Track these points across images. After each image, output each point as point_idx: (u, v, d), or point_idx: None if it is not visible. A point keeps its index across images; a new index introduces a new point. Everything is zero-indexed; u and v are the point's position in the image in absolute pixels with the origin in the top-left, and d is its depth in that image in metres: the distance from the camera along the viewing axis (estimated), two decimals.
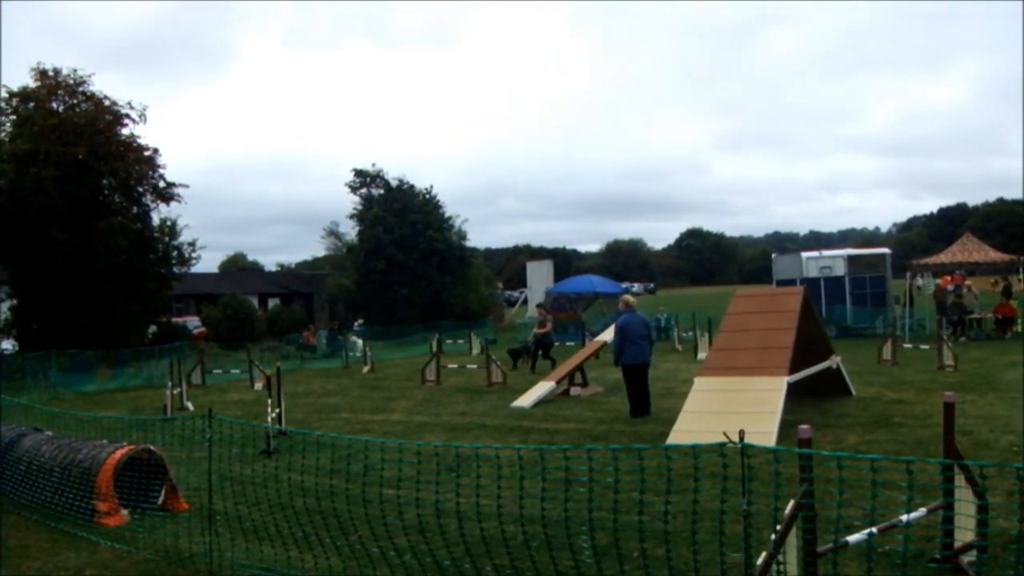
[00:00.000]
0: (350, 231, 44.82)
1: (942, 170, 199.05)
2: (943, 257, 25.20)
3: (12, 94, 24.51)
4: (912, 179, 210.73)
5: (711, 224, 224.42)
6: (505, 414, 12.42)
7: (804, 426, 4.11)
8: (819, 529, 3.98)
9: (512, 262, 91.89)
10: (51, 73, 24.81)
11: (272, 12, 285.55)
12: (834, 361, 11.38)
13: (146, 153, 25.89)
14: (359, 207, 41.47)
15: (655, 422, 10.68)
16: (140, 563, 5.89)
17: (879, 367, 16.01)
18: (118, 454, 7.06)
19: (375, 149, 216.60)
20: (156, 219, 27.20)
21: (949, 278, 23.99)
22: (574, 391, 13.96)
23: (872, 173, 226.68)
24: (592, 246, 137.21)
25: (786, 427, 8.60)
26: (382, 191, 41.14)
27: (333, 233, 53.49)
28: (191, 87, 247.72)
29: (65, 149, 23.46)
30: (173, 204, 27.01)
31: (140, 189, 26.45)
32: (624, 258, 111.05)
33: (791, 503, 3.97)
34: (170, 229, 27.12)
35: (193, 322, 34.93)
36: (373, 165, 41.94)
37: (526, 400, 13.08)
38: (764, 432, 8.22)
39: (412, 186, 41.25)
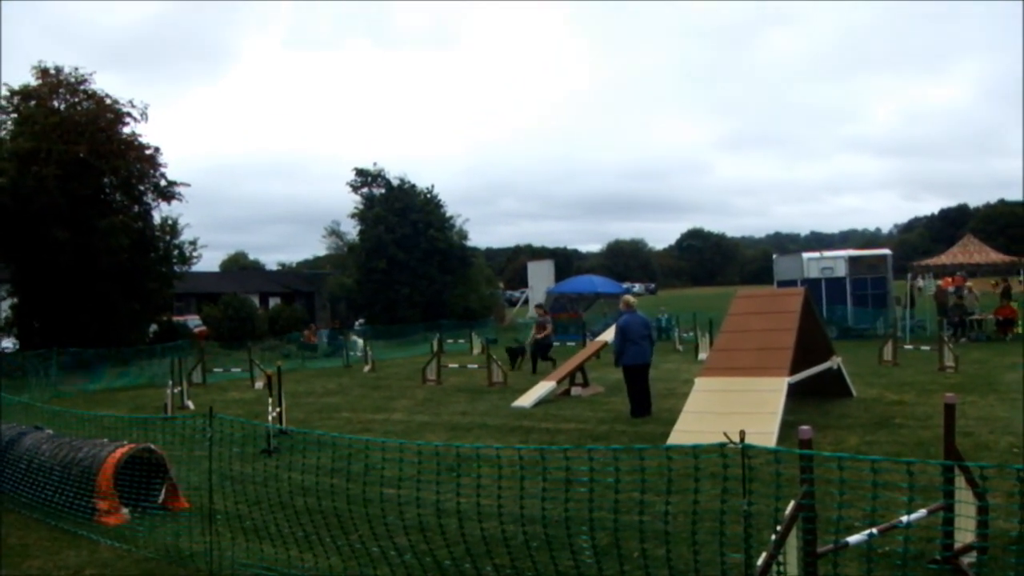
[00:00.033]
0: (351, 230, 44.87)
1: (943, 171, 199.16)
2: (944, 258, 25.18)
3: (13, 92, 24.56)
4: (913, 180, 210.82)
5: (712, 224, 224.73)
6: (506, 414, 12.42)
7: (805, 427, 4.11)
8: (819, 530, 3.98)
9: (513, 262, 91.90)
10: (52, 71, 24.85)
11: (272, 12, 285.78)
12: (835, 362, 11.38)
13: (147, 152, 25.94)
14: (360, 206, 41.46)
15: (656, 422, 10.69)
16: (140, 562, 5.90)
17: (880, 368, 16.01)
18: (119, 453, 7.06)
19: (376, 149, 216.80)
20: (157, 218, 27.32)
21: (950, 279, 23.97)
22: (575, 391, 13.96)
23: (874, 174, 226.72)
24: (593, 246, 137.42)
25: (787, 428, 8.60)
26: (383, 190, 41.12)
27: (334, 232, 53.55)
28: (192, 87, 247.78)
29: (66, 147, 23.50)
30: (174, 203, 27.14)
31: (141, 188, 26.49)
32: (625, 258, 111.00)
33: (791, 504, 3.97)
34: (171, 228, 27.16)
35: (194, 321, 34.95)
36: (374, 164, 41.94)
37: (527, 400, 13.08)
38: (765, 433, 8.22)
39: (413, 186, 41.25)
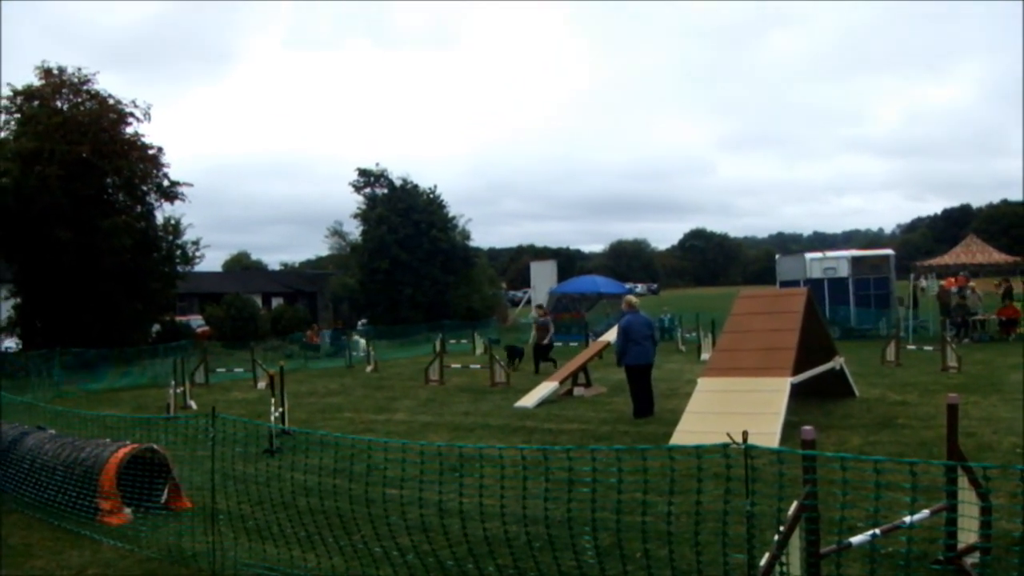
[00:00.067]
0: (354, 230, 44.95)
1: (946, 171, 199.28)
2: (947, 259, 25.15)
3: (16, 92, 24.57)
4: (916, 180, 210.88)
5: (715, 225, 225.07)
6: (508, 414, 12.42)
7: (807, 427, 4.10)
8: (822, 530, 3.97)
9: (516, 262, 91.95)
10: (55, 72, 24.87)
11: (272, 12, 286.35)
12: (837, 362, 11.36)
13: (150, 152, 25.95)
14: (363, 207, 41.50)
15: (658, 423, 10.68)
16: (143, 562, 5.90)
17: (883, 368, 15.99)
18: (121, 453, 7.07)
19: (378, 149, 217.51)
20: (160, 218, 27.30)
21: (953, 280, 23.94)
22: (577, 391, 13.95)
23: (877, 174, 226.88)
24: (596, 246, 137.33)
25: (789, 428, 8.59)
26: (386, 191, 41.16)
27: (337, 232, 53.71)
28: (193, 87, 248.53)
29: (69, 147, 23.52)
30: (177, 203, 27.15)
31: (144, 188, 26.50)
32: (628, 258, 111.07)
33: (794, 504, 3.97)
34: (174, 228, 27.16)
35: (197, 321, 34.98)
36: (377, 165, 42.04)
37: (529, 400, 13.08)
38: (767, 433, 8.21)
39: (416, 186, 41.29)
